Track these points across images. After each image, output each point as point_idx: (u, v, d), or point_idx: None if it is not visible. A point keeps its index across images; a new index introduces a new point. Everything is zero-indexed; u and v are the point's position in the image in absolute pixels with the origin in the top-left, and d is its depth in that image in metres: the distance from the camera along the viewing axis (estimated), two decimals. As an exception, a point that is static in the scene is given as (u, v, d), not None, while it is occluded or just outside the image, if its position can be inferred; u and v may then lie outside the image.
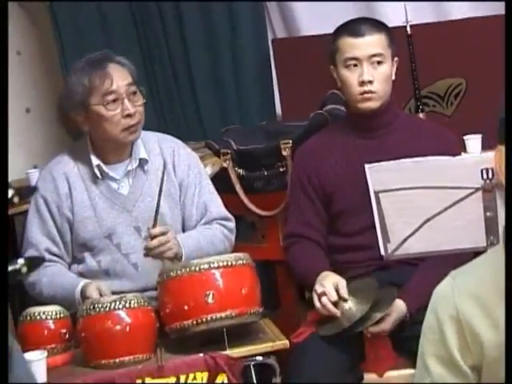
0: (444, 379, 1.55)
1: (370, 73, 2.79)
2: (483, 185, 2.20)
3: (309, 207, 2.93)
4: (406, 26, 3.54)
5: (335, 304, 2.64)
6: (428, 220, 2.25)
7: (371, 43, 2.81)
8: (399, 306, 2.68)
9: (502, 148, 1.52)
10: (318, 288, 2.67)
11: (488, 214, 2.21)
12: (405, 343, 2.62)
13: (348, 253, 2.88)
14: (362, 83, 2.81)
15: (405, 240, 2.31)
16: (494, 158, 1.55)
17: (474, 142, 3.26)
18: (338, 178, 2.88)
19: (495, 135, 2.20)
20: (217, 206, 2.96)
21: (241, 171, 3.67)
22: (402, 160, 2.27)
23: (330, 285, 2.66)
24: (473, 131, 3.29)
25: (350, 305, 2.65)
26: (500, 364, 1.51)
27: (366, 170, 2.27)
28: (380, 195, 2.26)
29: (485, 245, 2.22)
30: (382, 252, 2.39)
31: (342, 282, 2.67)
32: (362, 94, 2.82)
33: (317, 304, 2.66)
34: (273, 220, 3.67)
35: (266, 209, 3.65)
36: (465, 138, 3.27)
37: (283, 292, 3.76)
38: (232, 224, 2.97)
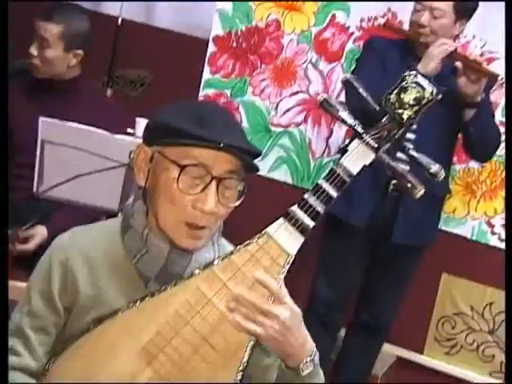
0: (40, 310, 1.50)
1: None
2: (129, 163, 2.18)
3: None
4: (118, 18, 3.44)
5: None
6: (78, 176, 2.19)
7: None
8: (43, 231, 2.61)
9: (145, 147, 1.48)
10: None
11: (126, 186, 2.19)
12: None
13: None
14: None
15: (55, 186, 2.22)
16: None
17: (143, 124, 3.23)
18: (20, 120, 2.73)
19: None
20: None
21: None
22: (74, 124, 2.18)
23: None
24: (147, 115, 3.27)
25: None
26: (84, 313, 1.48)
27: (40, 121, 2.17)
28: (46, 144, 2.16)
29: (116, 209, 2.20)
30: (35, 189, 2.29)
31: None
32: None
33: None
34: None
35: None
36: (137, 119, 3.22)
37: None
38: None
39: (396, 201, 2.82)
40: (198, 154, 1.42)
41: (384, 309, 3.02)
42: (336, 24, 3.57)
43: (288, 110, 3.64)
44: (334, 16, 3.57)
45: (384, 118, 1.56)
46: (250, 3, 3.64)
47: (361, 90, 1.60)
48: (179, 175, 1.42)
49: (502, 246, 3.36)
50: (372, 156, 1.52)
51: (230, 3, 3.65)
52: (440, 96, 1.58)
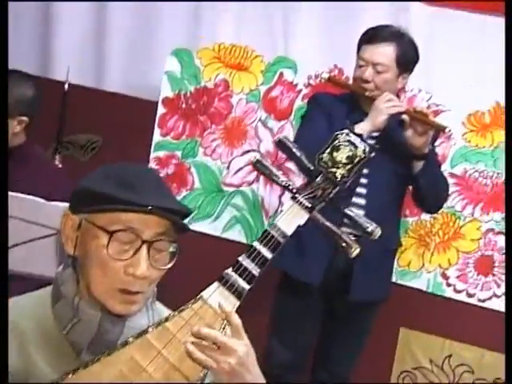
0: None
1: None
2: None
3: None
4: (64, 83, 3.44)
5: None
6: (16, 245, 2.15)
7: None
8: None
9: (71, 215, 1.47)
10: None
11: (60, 253, 2.17)
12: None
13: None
14: None
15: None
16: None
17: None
18: None
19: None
20: None
21: None
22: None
23: None
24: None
25: None
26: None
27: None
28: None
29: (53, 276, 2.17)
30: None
31: None
32: None
33: None
34: None
35: None
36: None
37: None
38: None
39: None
40: (126, 218, 1.41)
41: (341, 365, 3.00)
42: (284, 82, 3.62)
43: (240, 170, 3.66)
44: (281, 74, 3.63)
45: (318, 177, 1.57)
46: (198, 64, 3.68)
47: (294, 150, 1.61)
48: (109, 242, 1.40)
49: (457, 297, 3.38)
50: (306, 216, 1.52)
51: (179, 65, 3.68)
52: (373, 154, 1.60)
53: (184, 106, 3.70)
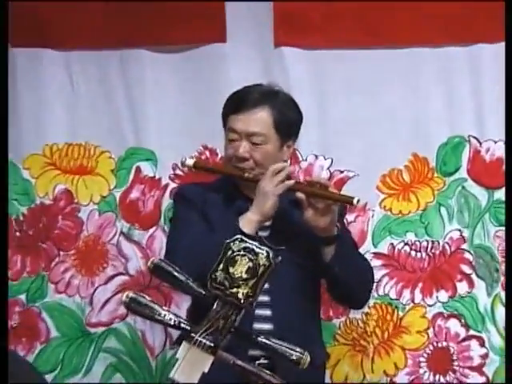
0: None
1: None
2: None
3: None
4: None
5: None
6: None
7: None
8: None
9: None
10: None
11: None
12: None
13: None
14: None
15: None
16: None
17: None
18: None
19: None
20: None
21: None
22: None
23: None
24: None
25: None
26: None
27: None
28: None
29: None
30: None
31: None
32: None
33: None
34: None
35: None
36: None
37: None
38: None
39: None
40: None
41: None
42: (143, 178, 3.61)
43: (107, 302, 3.59)
44: (138, 169, 3.61)
45: (215, 304, 1.54)
46: (27, 177, 3.63)
47: (177, 275, 1.58)
48: None
49: (418, 410, 3.39)
50: (210, 358, 1.48)
51: None
52: (280, 258, 1.58)
53: (18, 234, 3.63)
